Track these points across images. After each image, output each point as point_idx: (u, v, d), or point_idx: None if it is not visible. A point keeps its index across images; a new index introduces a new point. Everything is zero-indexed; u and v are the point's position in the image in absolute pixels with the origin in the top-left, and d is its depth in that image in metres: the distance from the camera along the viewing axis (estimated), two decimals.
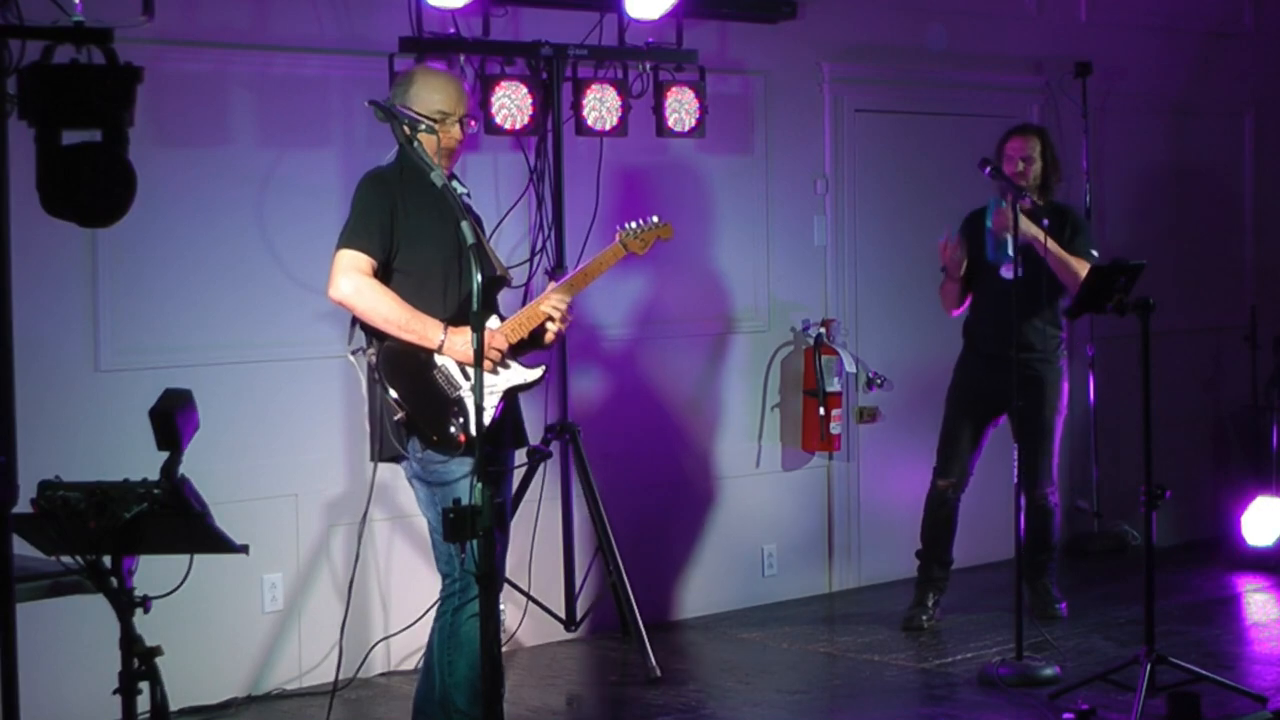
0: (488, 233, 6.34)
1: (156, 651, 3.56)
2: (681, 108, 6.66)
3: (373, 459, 4.81)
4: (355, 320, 4.77)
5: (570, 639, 6.68)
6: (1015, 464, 6.11)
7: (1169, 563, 7.57)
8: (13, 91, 3.18)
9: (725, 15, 7.14)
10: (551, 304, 4.91)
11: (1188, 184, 9.02)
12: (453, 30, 6.26)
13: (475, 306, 3.79)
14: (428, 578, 6.34)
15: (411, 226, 4.77)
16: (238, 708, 5.81)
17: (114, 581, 3.53)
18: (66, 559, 3.55)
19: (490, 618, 3.74)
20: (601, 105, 6.47)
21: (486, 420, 4.66)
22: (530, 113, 6.30)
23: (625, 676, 6.36)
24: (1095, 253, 6.67)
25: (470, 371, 4.72)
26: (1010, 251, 6.38)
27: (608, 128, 6.49)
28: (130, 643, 3.54)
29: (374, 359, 4.74)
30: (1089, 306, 5.83)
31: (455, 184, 4.85)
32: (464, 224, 3.85)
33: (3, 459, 3.21)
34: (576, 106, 6.43)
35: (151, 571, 3.66)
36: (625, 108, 6.52)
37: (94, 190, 3.23)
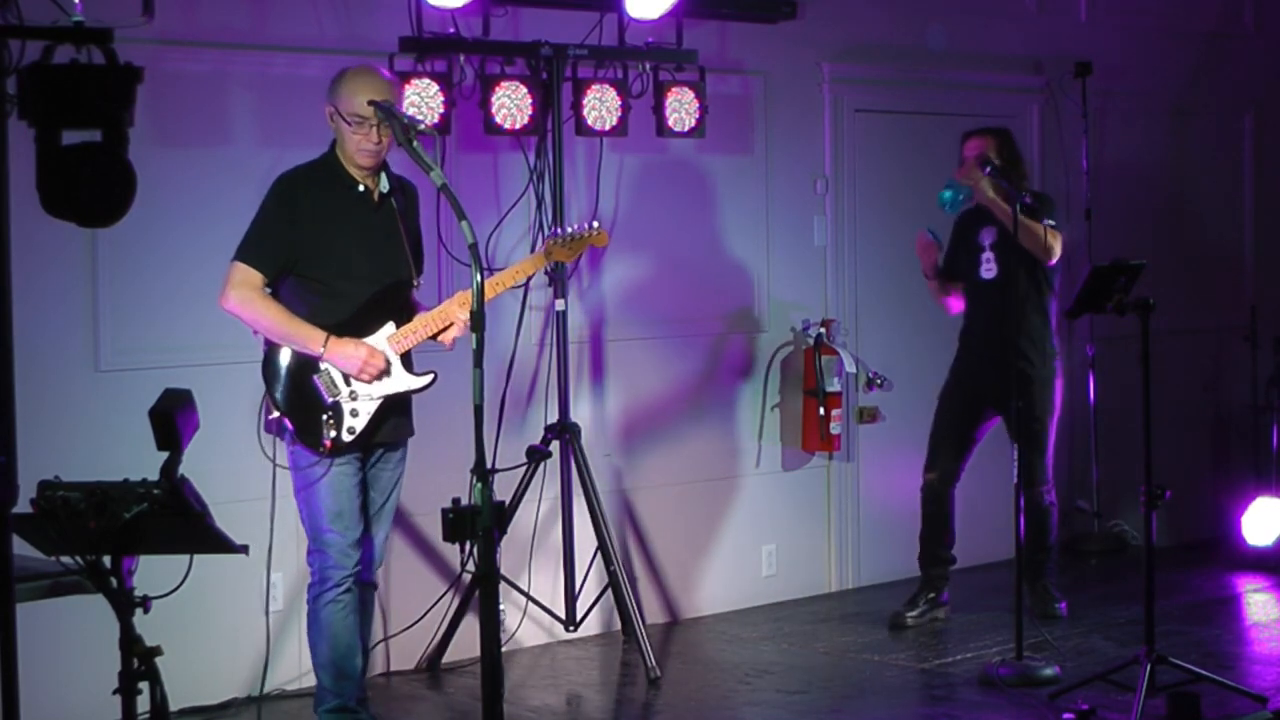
0: (487, 233, 6.37)
1: (156, 651, 3.56)
2: (681, 108, 6.66)
3: (262, 430, 5.04)
4: None
5: (570, 639, 6.67)
6: (1015, 464, 6.11)
7: (1169, 563, 7.57)
8: (13, 91, 3.18)
9: (725, 15, 7.14)
10: (454, 312, 5.06)
11: (1188, 184, 9.02)
12: (453, 30, 6.26)
13: (475, 306, 3.79)
14: (428, 578, 6.36)
15: (313, 232, 4.97)
16: (238, 708, 5.81)
17: (114, 581, 3.54)
18: (66, 559, 3.55)
19: (490, 618, 3.74)
20: (601, 105, 6.46)
21: (359, 426, 4.95)
22: (530, 113, 6.30)
23: (625, 676, 6.36)
24: (1052, 222, 6.60)
25: (352, 380, 4.98)
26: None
27: (608, 128, 6.49)
28: (130, 643, 3.54)
29: (265, 352, 4.99)
30: (1089, 306, 5.83)
31: (383, 177, 5.08)
32: (464, 224, 3.85)
33: (3, 459, 3.21)
34: (576, 106, 6.42)
35: (151, 571, 3.66)
36: (625, 108, 6.52)
37: (94, 190, 3.23)
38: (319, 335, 4.93)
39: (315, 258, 4.96)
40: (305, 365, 4.97)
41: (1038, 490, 6.82)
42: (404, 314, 5.09)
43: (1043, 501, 6.86)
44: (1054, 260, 6.64)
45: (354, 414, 4.98)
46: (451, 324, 5.07)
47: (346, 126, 4.93)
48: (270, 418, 4.97)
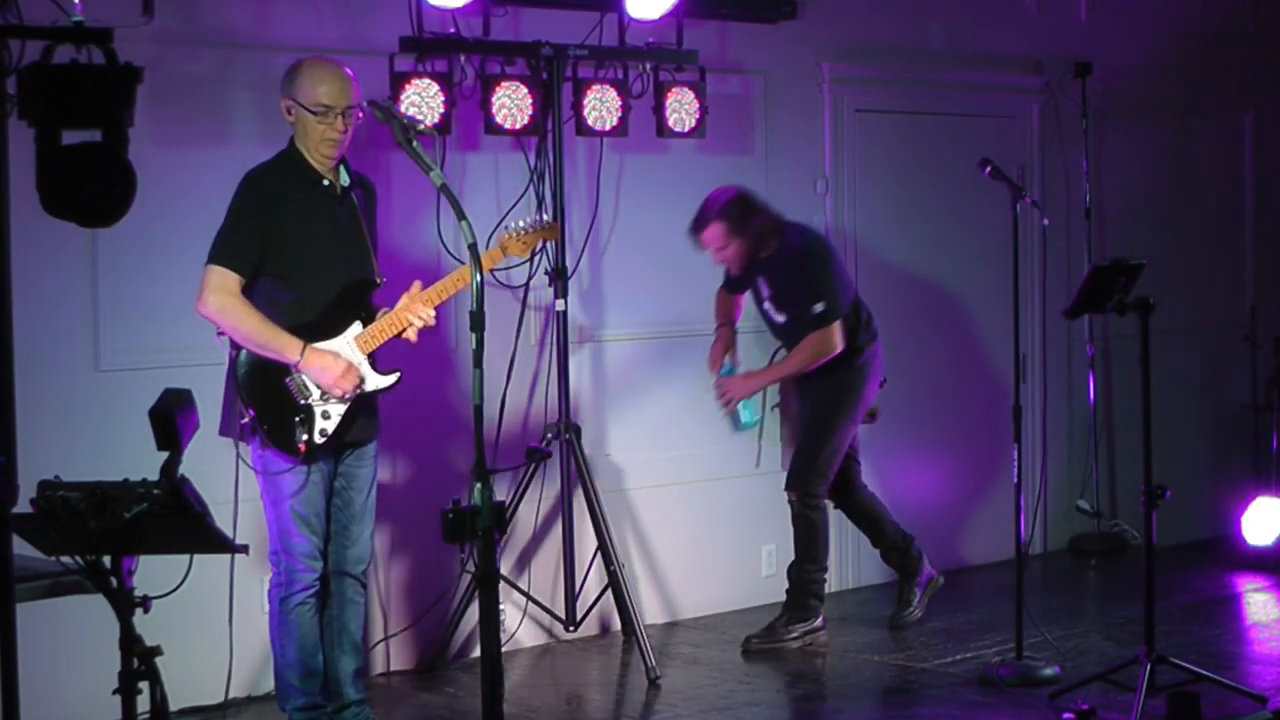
0: (487, 233, 6.36)
1: (156, 651, 3.56)
2: (682, 108, 6.66)
3: (221, 433, 5.03)
4: None
5: (570, 639, 6.67)
6: (1015, 464, 6.11)
7: (1169, 563, 7.56)
8: (13, 91, 3.18)
9: (725, 15, 7.14)
10: (415, 313, 5.07)
11: (1188, 184, 9.02)
12: (453, 30, 6.26)
13: (474, 306, 3.79)
14: (428, 578, 6.35)
15: (284, 231, 4.97)
16: (238, 708, 5.81)
17: (114, 581, 3.54)
18: (66, 559, 3.55)
19: (490, 618, 3.74)
20: (602, 105, 6.46)
21: (331, 428, 4.99)
22: (530, 113, 6.30)
23: (625, 676, 6.36)
24: (820, 306, 6.37)
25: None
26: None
27: (608, 128, 6.49)
28: (130, 643, 3.54)
29: (233, 353, 4.98)
30: (1089, 306, 5.83)
31: (343, 170, 5.12)
32: (464, 224, 3.85)
33: (3, 459, 3.21)
34: (577, 107, 6.43)
35: (151, 571, 3.66)
36: (625, 108, 6.52)
37: (94, 190, 3.23)
38: (296, 345, 4.94)
39: (286, 255, 4.97)
40: (276, 368, 4.98)
41: (794, 495, 6.58)
42: (368, 313, 5.12)
43: (797, 509, 6.59)
44: (840, 348, 6.45)
45: (325, 416, 5.00)
46: (413, 323, 5.08)
47: (310, 116, 4.95)
48: (242, 422, 4.95)
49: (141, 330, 5.74)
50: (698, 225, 6.49)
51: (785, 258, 6.51)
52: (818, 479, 6.58)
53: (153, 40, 5.17)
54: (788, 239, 6.52)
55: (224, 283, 4.91)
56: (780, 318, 6.60)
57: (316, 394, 4.99)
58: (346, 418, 5.04)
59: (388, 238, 5.46)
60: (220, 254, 4.94)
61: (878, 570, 7.73)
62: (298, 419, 4.96)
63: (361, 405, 5.09)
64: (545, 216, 5.54)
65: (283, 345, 4.93)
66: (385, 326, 5.08)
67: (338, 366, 4.97)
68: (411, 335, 5.13)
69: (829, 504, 6.74)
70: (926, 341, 7.88)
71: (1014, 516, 6.13)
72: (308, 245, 4.99)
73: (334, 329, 5.03)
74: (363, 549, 5.23)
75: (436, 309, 5.13)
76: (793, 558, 6.69)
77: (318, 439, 4.99)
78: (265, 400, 4.95)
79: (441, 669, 6.32)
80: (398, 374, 5.13)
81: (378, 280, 5.15)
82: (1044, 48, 8.36)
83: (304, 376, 4.98)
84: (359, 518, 5.20)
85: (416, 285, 5.12)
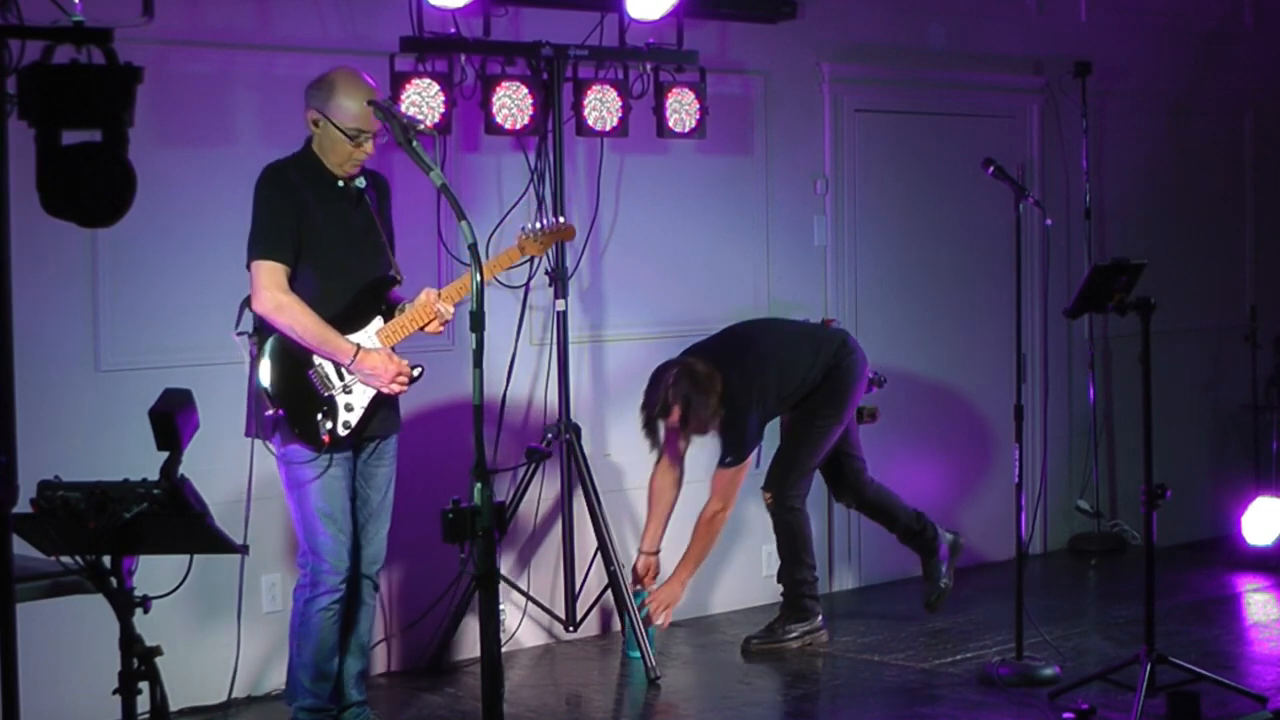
0: (487, 233, 6.36)
1: (156, 651, 3.56)
2: (682, 108, 6.66)
3: (247, 434, 5.05)
4: (244, 305, 5.03)
5: (570, 639, 6.67)
6: (1016, 464, 6.11)
7: (1169, 563, 7.56)
8: (13, 91, 3.18)
9: (725, 15, 7.14)
10: (437, 309, 5.09)
11: (1188, 184, 9.02)
12: (453, 30, 6.26)
13: (474, 306, 3.79)
14: (428, 578, 6.36)
15: (307, 225, 4.99)
16: (239, 708, 5.81)
17: (114, 581, 3.54)
18: (66, 559, 3.56)
19: (490, 618, 3.74)
20: (602, 106, 6.47)
21: (354, 420, 5.02)
22: (531, 113, 6.30)
23: (625, 676, 6.36)
24: (729, 459, 6.31)
25: (345, 373, 5.03)
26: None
27: (608, 128, 6.49)
28: (130, 643, 3.54)
29: (254, 350, 5.00)
30: (1089, 306, 5.83)
31: (361, 179, 5.13)
32: (464, 224, 3.85)
33: (3, 459, 3.20)
34: (577, 107, 6.43)
35: (151, 571, 3.66)
36: (626, 108, 6.52)
37: (94, 191, 3.22)
38: (349, 348, 5.00)
39: (307, 252, 4.99)
40: (299, 362, 5.00)
41: (769, 495, 6.55)
42: (388, 309, 5.16)
43: (773, 510, 6.56)
44: (730, 508, 6.42)
45: (349, 408, 5.04)
46: (434, 317, 5.11)
47: (342, 137, 4.96)
48: (267, 414, 4.97)
49: (141, 330, 5.75)
50: (659, 410, 6.26)
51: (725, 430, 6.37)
52: (795, 480, 6.56)
53: (153, 40, 5.17)
54: (726, 403, 6.29)
55: (275, 278, 4.93)
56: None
57: (339, 385, 5.03)
58: (369, 409, 5.06)
59: None
60: (263, 248, 4.95)
61: (878, 570, 7.73)
62: (321, 411, 4.99)
63: (383, 399, 5.11)
64: (560, 219, 5.58)
65: (336, 346, 4.99)
66: (406, 322, 5.12)
67: (391, 367, 5.03)
68: (435, 327, 5.16)
69: (822, 503, 6.73)
70: (927, 341, 7.88)
71: (1014, 516, 6.13)
72: (325, 244, 5.01)
73: (355, 325, 5.07)
74: (378, 549, 5.25)
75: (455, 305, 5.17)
76: (780, 563, 6.68)
77: (341, 430, 5.02)
78: (288, 395, 4.97)
79: (441, 669, 6.32)
80: (420, 368, 5.16)
81: (397, 278, 5.19)
82: (1044, 48, 8.36)
83: (325, 367, 5.02)
84: (375, 516, 5.22)
85: (429, 291, 5.14)
